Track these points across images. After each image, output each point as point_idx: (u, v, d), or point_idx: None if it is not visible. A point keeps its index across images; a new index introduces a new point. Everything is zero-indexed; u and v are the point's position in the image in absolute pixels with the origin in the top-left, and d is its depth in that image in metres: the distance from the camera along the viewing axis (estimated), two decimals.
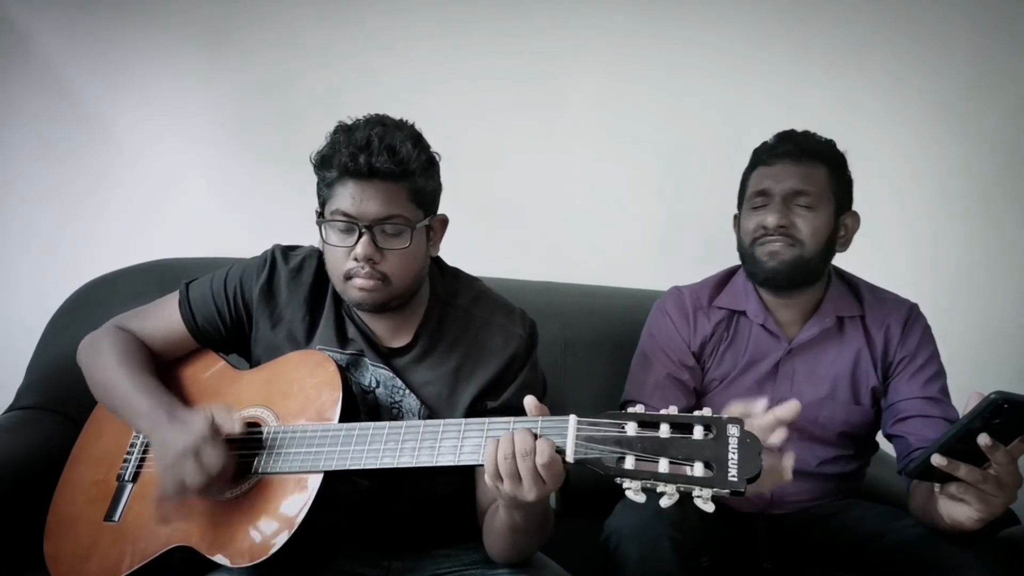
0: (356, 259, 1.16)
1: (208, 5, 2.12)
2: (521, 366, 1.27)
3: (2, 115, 2.08)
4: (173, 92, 2.12)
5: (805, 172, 1.45)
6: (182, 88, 2.13)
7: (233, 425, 1.12)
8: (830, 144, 1.51)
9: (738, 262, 1.57)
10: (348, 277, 1.18)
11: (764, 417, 1.01)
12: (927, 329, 1.53)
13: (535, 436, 0.98)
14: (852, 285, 1.57)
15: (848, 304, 1.53)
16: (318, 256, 1.32)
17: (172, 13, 2.11)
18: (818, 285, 1.52)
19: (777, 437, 0.99)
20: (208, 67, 2.13)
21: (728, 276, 1.61)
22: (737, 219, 1.57)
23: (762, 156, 1.51)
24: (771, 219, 1.44)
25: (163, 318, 1.33)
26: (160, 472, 1.11)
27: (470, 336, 1.28)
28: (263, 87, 2.15)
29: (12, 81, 2.07)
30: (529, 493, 0.96)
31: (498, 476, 0.98)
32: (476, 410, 1.25)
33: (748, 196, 1.51)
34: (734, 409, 1.05)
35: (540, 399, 1.26)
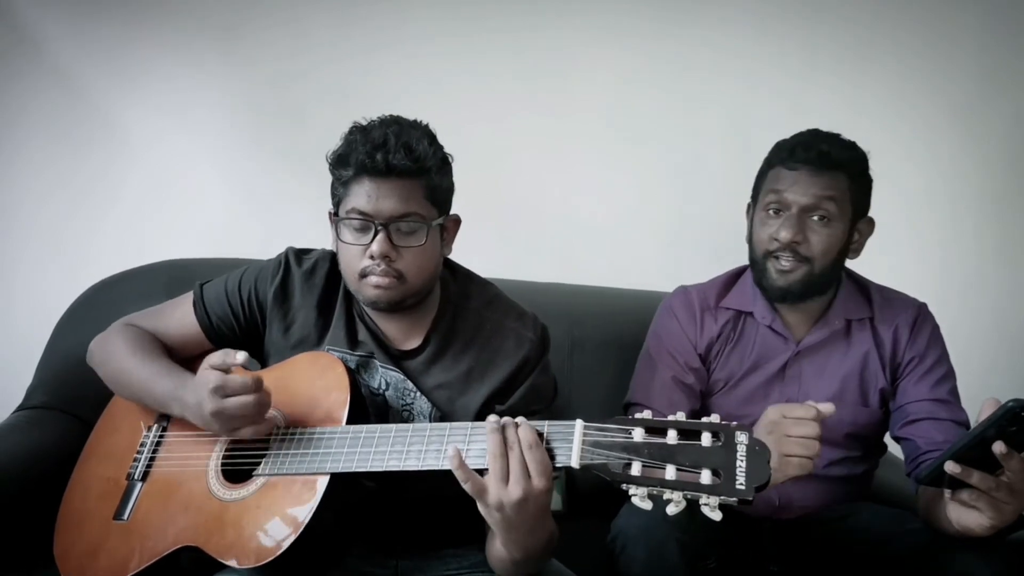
0: (372, 257, 1.17)
1: (217, 2, 2.12)
2: (532, 370, 1.27)
3: (10, 112, 2.08)
4: (182, 89, 2.12)
5: (825, 183, 1.41)
6: (191, 86, 2.13)
7: (235, 357, 1.12)
8: (853, 148, 1.46)
9: (746, 261, 1.56)
10: (363, 275, 1.19)
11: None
12: (936, 329, 1.52)
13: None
14: (862, 287, 1.56)
15: (858, 306, 1.52)
16: (330, 258, 1.33)
17: (182, 10, 2.10)
18: (829, 291, 1.51)
19: (827, 407, 1.15)
20: (217, 65, 2.13)
21: (736, 276, 1.60)
22: (750, 209, 1.55)
23: (783, 155, 1.46)
24: (784, 233, 1.41)
25: (176, 318, 1.34)
26: (217, 428, 1.13)
27: (482, 339, 1.28)
28: (272, 85, 2.15)
29: (21, 78, 2.07)
30: (514, 489, 0.96)
31: (483, 491, 0.98)
32: (486, 413, 1.24)
33: (764, 192, 1.48)
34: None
35: (550, 403, 1.29)
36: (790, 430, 1.14)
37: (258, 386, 1.12)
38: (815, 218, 1.42)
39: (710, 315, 1.54)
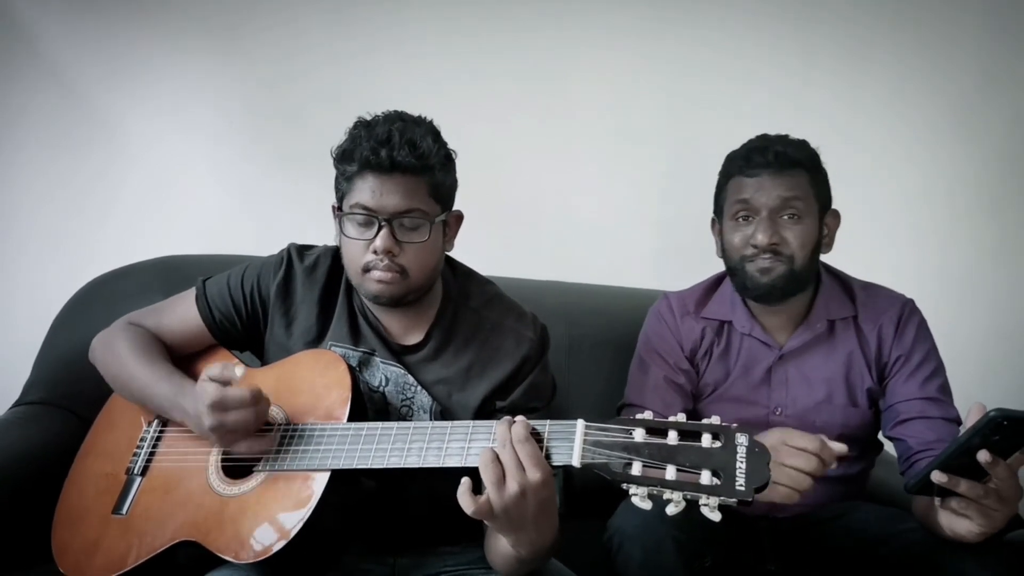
0: (375, 252, 1.17)
1: (217, 2, 2.11)
2: (531, 369, 1.28)
3: (8, 112, 2.08)
4: (179, 89, 2.12)
5: (788, 182, 1.42)
6: (188, 85, 2.13)
7: (233, 371, 1.13)
8: (805, 145, 1.47)
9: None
10: (366, 270, 1.20)
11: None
12: (922, 324, 1.51)
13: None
14: (844, 284, 1.55)
15: (840, 305, 1.51)
16: (332, 255, 1.33)
17: (181, 10, 2.11)
18: (808, 289, 1.50)
19: (839, 447, 1.10)
20: (216, 65, 2.13)
21: (715, 283, 1.60)
22: (715, 224, 1.55)
23: (739, 165, 1.46)
24: (761, 237, 1.41)
25: (179, 313, 1.35)
26: (214, 441, 1.14)
27: (481, 338, 1.29)
28: (269, 84, 2.15)
29: (18, 78, 2.07)
30: (511, 484, 0.96)
31: (490, 512, 0.98)
32: (486, 410, 1.26)
33: (729, 203, 1.48)
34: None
35: (549, 401, 1.29)
36: (786, 459, 1.10)
37: (256, 399, 1.12)
38: (785, 217, 1.42)
39: (690, 319, 1.55)
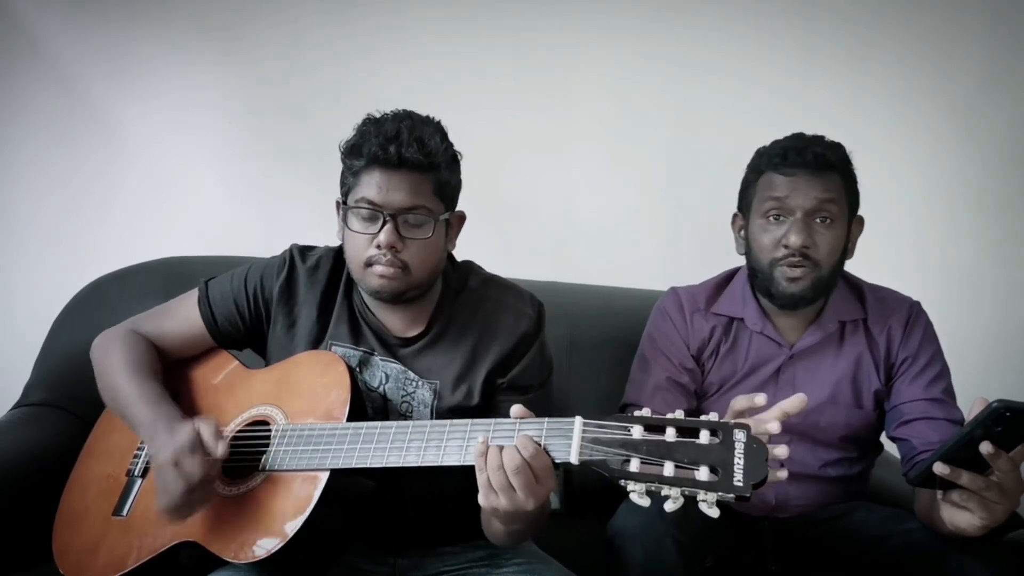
0: (379, 247, 1.18)
1: (218, 1, 2.12)
2: (530, 345, 1.29)
3: (10, 110, 2.08)
4: (180, 88, 2.13)
5: (824, 184, 1.40)
6: (189, 84, 2.13)
7: (216, 448, 1.11)
8: (840, 148, 1.46)
9: (737, 264, 1.55)
10: (368, 264, 1.20)
11: (770, 411, 1.09)
12: (929, 327, 1.51)
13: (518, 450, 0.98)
14: (856, 287, 1.55)
15: (851, 308, 1.51)
16: (333, 256, 1.34)
17: (182, 9, 2.11)
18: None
19: (774, 427, 1.05)
20: (217, 64, 2.14)
21: (726, 280, 1.59)
22: (738, 220, 1.54)
23: (774, 162, 1.44)
24: (795, 239, 1.39)
25: (180, 316, 1.35)
26: (159, 482, 1.12)
27: (481, 316, 1.30)
28: (271, 84, 2.15)
29: (20, 76, 2.08)
30: (528, 502, 0.98)
31: (491, 489, 0.99)
32: (488, 389, 1.27)
33: (759, 200, 1.45)
34: (738, 402, 1.08)
35: (546, 381, 1.31)
36: None
37: (206, 479, 1.10)
38: (818, 220, 1.41)
39: (700, 316, 1.53)
